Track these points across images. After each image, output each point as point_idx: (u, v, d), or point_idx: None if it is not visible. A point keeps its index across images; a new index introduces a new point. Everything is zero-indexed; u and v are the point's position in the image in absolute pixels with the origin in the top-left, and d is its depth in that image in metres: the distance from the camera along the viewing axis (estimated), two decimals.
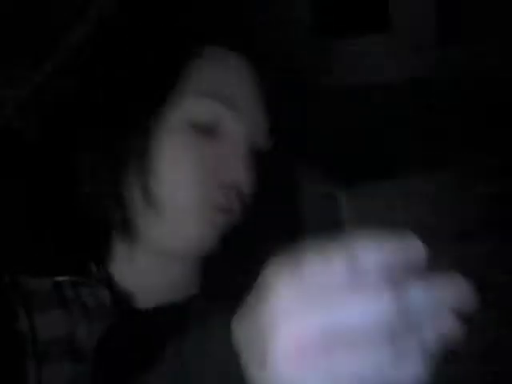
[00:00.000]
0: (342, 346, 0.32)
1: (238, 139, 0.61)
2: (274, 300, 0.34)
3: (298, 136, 0.69)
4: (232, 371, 0.37)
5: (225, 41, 0.63)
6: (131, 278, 0.62)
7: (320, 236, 0.36)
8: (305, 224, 0.64)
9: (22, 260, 0.59)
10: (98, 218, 0.60)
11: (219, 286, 0.65)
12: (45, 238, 0.61)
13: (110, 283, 0.61)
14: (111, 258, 0.62)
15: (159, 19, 0.64)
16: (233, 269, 0.63)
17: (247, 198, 0.62)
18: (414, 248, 0.34)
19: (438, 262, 0.35)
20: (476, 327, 0.37)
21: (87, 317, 0.57)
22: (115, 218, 0.60)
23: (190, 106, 0.60)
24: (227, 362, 0.37)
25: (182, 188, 0.59)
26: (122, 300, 0.61)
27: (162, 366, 0.43)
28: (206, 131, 0.60)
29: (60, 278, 0.58)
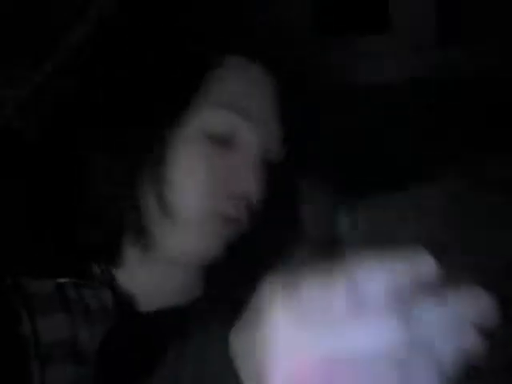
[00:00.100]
0: (343, 373, 0.32)
1: (252, 151, 0.61)
2: (273, 324, 0.33)
3: (305, 144, 0.69)
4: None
5: (243, 50, 0.63)
6: (133, 280, 0.62)
7: (321, 254, 0.36)
8: (305, 234, 0.64)
9: (24, 262, 0.59)
10: (110, 220, 0.60)
11: (221, 289, 0.65)
12: (46, 239, 0.61)
13: (112, 285, 0.61)
14: (119, 261, 0.62)
15: (180, 27, 0.64)
16: (235, 273, 0.63)
17: (255, 208, 0.62)
18: (425, 265, 0.33)
19: (456, 275, 0.34)
20: (498, 342, 0.36)
21: (90, 319, 0.57)
22: (129, 222, 0.60)
23: (206, 116, 0.60)
24: (225, 375, 0.37)
25: (193, 197, 0.59)
26: (124, 302, 0.61)
27: (163, 369, 0.43)
28: (222, 142, 0.60)
29: (62, 280, 0.58)
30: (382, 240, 0.39)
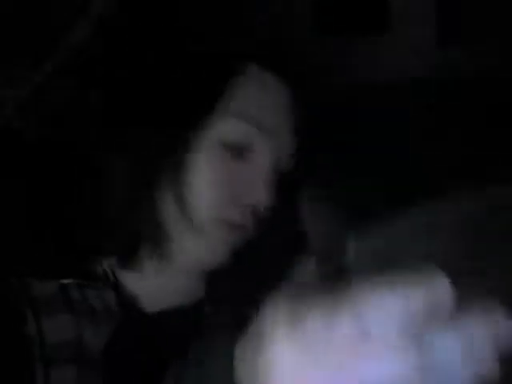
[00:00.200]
0: None
1: (265, 162, 0.61)
2: (275, 351, 0.32)
3: (310, 153, 0.69)
4: None
5: (264, 61, 0.63)
6: (137, 282, 0.62)
7: (326, 277, 0.34)
8: (309, 246, 0.64)
9: (27, 262, 0.59)
10: (128, 227, 0.60)
11: (224, 291, 0.65)
12: (47, 239, 0.61)
13: (116, 286, 0.61)
14: (135, 267, 0.62)
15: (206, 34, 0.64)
16: (238, 275, 0.64)
17: (261, 215, 0.62)
18: (440, 288, 0.31)
19: (472, 297, 0.32)
20: None
21: (94, 320, 0.57)
22: (148, 229, 0.60)
23: (223, 124, 0.60)
24: None
25: (204, 204, 0.59)
26: (128, 303, 0.61)
27: None
28: (236, 151, 0.60)
29: (66, 281, 0.58)
30: (394, 261, 0.37)
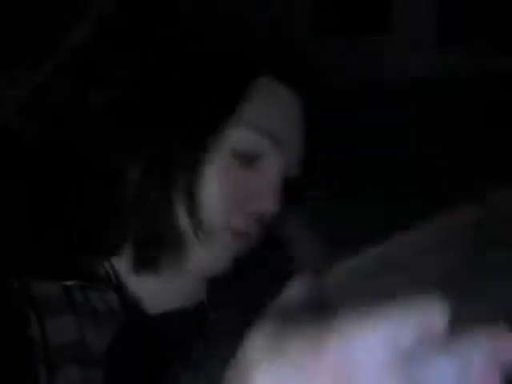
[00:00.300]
0: None
1: (274, 173, 0.62)
2: (259, 382, 0.31)
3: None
4: None
5: (278, 72, 0.63)
6: (139, 283, 0.62)
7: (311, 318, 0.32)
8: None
9: (30, 264, 0.59)
10: (144, 233, 0.60)
11: (227, 296, 0.66)
12: (49, 240, 0.61)
13: (119, 288, 0.61)
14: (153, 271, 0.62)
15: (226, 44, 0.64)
16: (241, 281, 0.64)
17: (267, 224, 0.62)
18: (436, 315, 0.29)
19: (469, 319, 0.30)
20: None
21: (97, 321, 0.57)
22: (165, 237, 0.60)
23: (235, 134, 0.60)
24: None
25: (212, 212, 0.59)
26: (130, 305, 0.61)
27: None
28: (246, 160, 0.61)
29: (69, 282, 0.58)
30: (383, 285, 0.35)
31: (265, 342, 0.32)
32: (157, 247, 0.60)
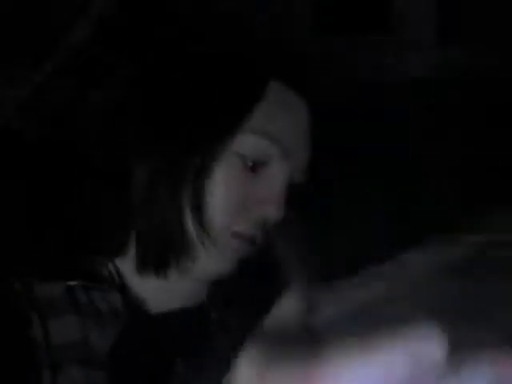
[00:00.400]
0: None
1: (280, 179, 0.62)
2: None
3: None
4: None
5: (286, 77, 0.63)
6: (143, 284, 0.62)
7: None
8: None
9: (33, 264, 0.59)
10: (152, 231, 0.60)
11: (228, 294, 0.66)
12: (49, 240, 0.61)
13: (122, 288, 0.61)
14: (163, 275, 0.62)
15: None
16: (244, 283, 0.64)
17: (271, 228, 0.62)
18: (434, 345, 0.28)
19: (470, 349, 0.31)
20: None
21: (100, 321, 0.58)
22: (173, 242, 0.60)
23: (243, 140, 0.60)
24: None
25: (217, 216, 0.60)
26: (133, 305, 0.61)
27: None
28: (253, 166, 0.61)
29: (72, 283, 0.58)
30: (377, 314, 0.34)
31: (253, 369, 0.31)
32: (163, 250, 0.60)
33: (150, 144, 0.61)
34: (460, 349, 0.29)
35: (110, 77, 0.65)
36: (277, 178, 0.62)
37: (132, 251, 0.61)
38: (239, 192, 0.60)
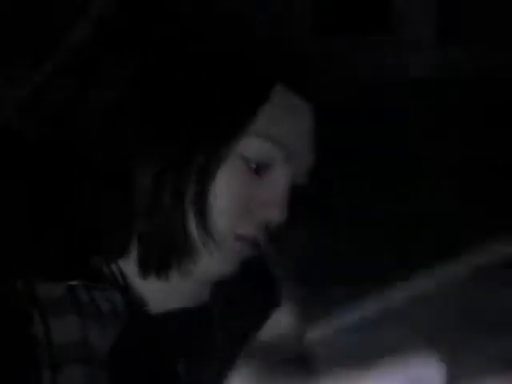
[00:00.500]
0: None
1: (283, 182, 0.62)
2: None
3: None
4: None
5: (291, 80, 0.63)
6: (144, 284, 0.63)
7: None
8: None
9: (34, 264, 0.59)
10: (155, 233, 0.60)
11: (230, 294, 0.66)
12: (49, 240, 0.61)
13: (126, 289, 0.61)
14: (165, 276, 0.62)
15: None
16: (244, 280, 0.64)
17: (274, 232, 0.62)
18: (427, 371, 0.28)
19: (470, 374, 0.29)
20: None
21: (101, 321, 0.58)
22: (175, 238, 0.60)
23: (247, 143, 0.61)
24: None
25: (221, 219, 0.60)
26: (134, 304, 0.61)
27: None
28: (256, 168, 0.61)
29: (73, 282, 0.58)
30: (374, 342, 0.34)
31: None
32: (165, 252, 0.60)
33: (150, 144, 0.61)
34: (460, 373, 0.29)
35: (110, 77, 0.65)
36: (280, 180, 0.62)
37: (135, 252, 0.61)
38: (243, 194, 0.61)
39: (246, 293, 0.66)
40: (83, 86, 0.66)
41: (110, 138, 0.62)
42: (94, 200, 0.61)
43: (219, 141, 0.60)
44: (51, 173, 0.64)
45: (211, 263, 0.61)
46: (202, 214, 0.60)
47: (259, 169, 0.61)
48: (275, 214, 0.62)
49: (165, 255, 0.61)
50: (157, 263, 0.61)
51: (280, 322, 0.35)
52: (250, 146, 0.61)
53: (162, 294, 0.63)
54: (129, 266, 0.62)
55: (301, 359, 0.33)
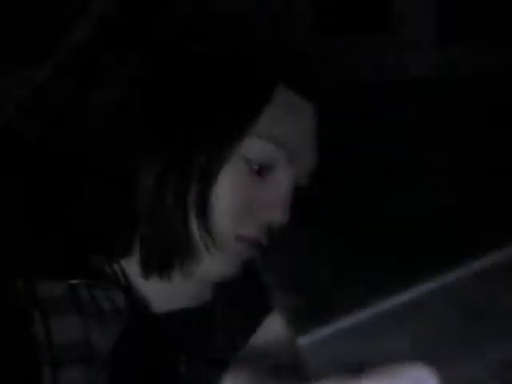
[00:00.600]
0: None
1: (285, 183, 0.62)
2: None
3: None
4: None
5: (293, 80, 0.63)
6: (146, 284, 0.63)
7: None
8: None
9: (35, 263, 0.59)
10: (158, 234, 0.60)
11: (231, 294, 0.66)
12: (49, 240, 0.61)
13: (128, 289, 0.61)
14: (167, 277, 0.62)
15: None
16: (246, 280, 0.64)
17: (276, 233, 0.62)
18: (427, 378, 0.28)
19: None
20: None
21: (102, 320, 0.57)
22: (177, 239, 0.60)
23: (249, 144, 0.61)
24: None
25: (223, 220, 0.60)
26: (136, 304, 0.62)
27: None
28: (259, 170, 0.61)
29: (75, 281, 0.58)
30: (369, 352, 0.33)
31: None
32: (167, 253, 0.60)
33: (151, 144, 0.61)
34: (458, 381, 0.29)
35: (110, 77, 0.65)
36: (282, 181, 0.62)
37: (137, 253, 0.62)
38: (245, 196, 0.61)
39: (248, 294, 0.66)
40: (83, 86, 0.66)
41: (110, 138, 0.62)
42: (93, 200, 0.62)
43: (220, 141, 0.60)
44: (51, 173, 0.64)
45: (213, 264, 0.61)
46: (204, 214, 0.60)
47: (261, 170, 0.62)
48: (277, 215, 0.62)
49: (167, 256, 0.61)
50: (159, 264, 0.61)
51: (272, 329, 0.35)
52: (253, 147, 0.61)
53: (164, 294, 0.63)
54: (131, 266, 0.62)
55: (293, 365, 0.32)
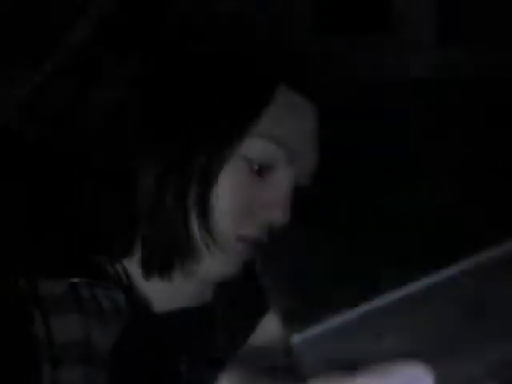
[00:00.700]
0: None
1: (286, 183, 0.62)
2: None
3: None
4: None
5: (294, 80, 0.63)
6: (147, 284, 0.63)
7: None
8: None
9: (36, 262, 0.59)
10: (158, 234, 0.60)
11: (232, 294, 0.66)
12: (49, 239, 0.61)
13: (130, 288, 0.61)
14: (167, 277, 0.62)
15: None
16: (247, 280, 0.64)
17: (277, 233, 0.63)
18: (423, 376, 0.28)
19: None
20: None
21: (103, 319, 0.57)
22: (178, 239, 0.60)
23: (250, 144, 0.60)
24: None
25: (222, 218, 0.60)
26: (137, 303, 0.62)
27: None
28: (259, 170, 0.61)
29: (75, 280, 0.58)
30: (363, 353, 0.33)
31: None
32: (168, 253, 0.60)
33: (151, 144, 0.61)
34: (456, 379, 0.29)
35: (110, 77, 0.65)
36: (283, 181, 0.62)
37: (138, 253, 0.62)
38: (245, 196, 0.61)
39: (247, 294, 0.66)
40: (83, 85, 0.66)
41: (110, 138, 0.62)
42: (93, 200, 0.62)
43: (220, 141, 0.60)
44: (51, 173, 0.64)
45: (214, 264, 0.61)
46: (205, 214, 0.60)
47: (262, 170, 0.61)
48: (278, 215, 0.62)
49: (168, 256, 0.61)
50: (160, 264, 0.61)
51: (268, 329, 0.35)
52: (253, 147, 0.61)
53: (164, 294, 0.63)
54: (132, 267, 0.62)
55: (288, 365, 0.32)
